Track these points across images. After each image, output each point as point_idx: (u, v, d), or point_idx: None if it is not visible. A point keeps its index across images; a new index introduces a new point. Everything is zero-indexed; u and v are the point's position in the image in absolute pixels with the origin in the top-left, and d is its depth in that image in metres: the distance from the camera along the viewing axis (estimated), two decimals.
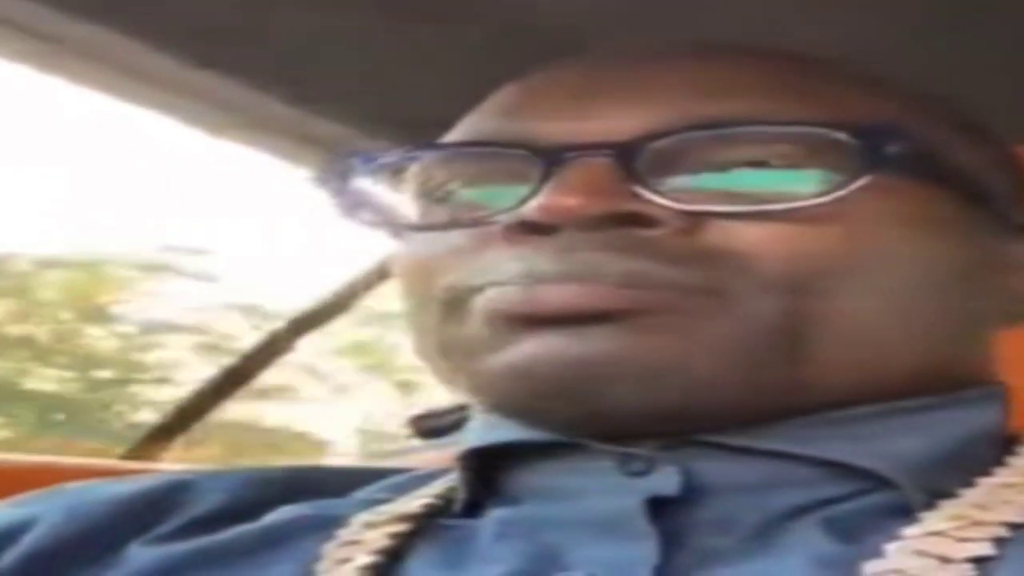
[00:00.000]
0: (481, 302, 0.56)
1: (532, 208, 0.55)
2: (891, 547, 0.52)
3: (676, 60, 0.59)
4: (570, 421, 0.56)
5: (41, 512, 0.63)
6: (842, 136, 0.55)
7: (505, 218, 0.56)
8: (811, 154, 0.55)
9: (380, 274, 1.58)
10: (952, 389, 0.58)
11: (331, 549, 0.58)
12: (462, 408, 0.69)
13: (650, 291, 0.54)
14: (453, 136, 0.61)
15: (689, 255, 0.54)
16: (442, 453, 0.68)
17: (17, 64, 0.96)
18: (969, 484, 0.56)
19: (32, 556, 0.61)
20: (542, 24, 0.95)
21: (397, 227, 0.61)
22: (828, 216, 0.55)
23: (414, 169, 0.60)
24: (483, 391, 0.58)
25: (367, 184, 0.61)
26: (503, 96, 0.61)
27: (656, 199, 0.55)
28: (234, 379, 1.71)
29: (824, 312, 0.55)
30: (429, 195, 0.60)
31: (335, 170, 0.61)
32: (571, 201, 0.54)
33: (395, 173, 0.61)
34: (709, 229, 0.55)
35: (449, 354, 0.58)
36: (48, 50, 0.92)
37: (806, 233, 0.55)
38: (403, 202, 0.61)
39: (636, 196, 0.55)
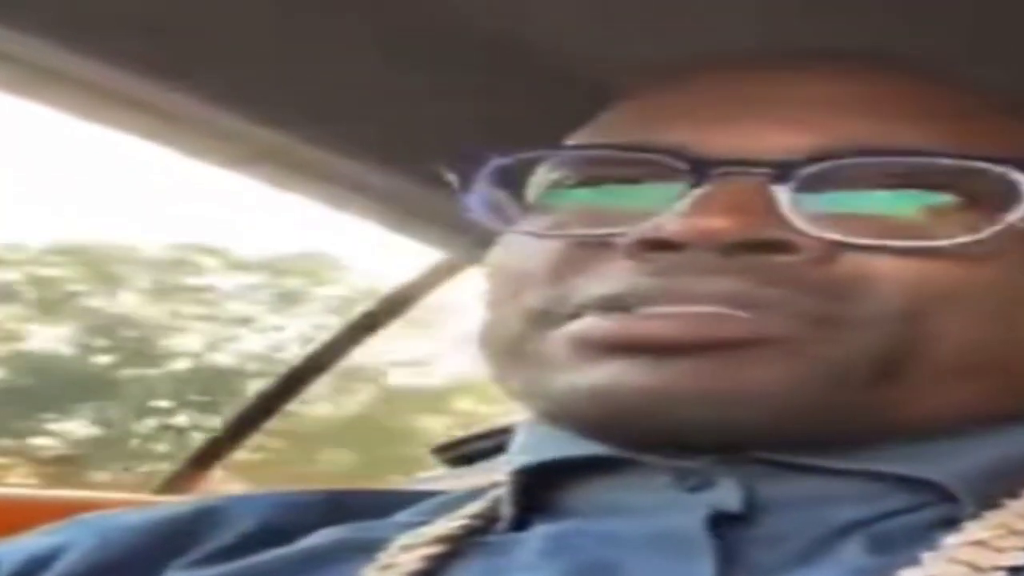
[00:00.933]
0: (575, 327, 0.55)
1: (673, 225, 0.53)
2: (928, 555, 0.52)
3: (829, 73, 0.57)
4: (638, 442, 0.56)
5: (73, 539, 0.63)
6: (1005, 170, 0.54)
7: (637, 230, 0.54)
8: (959, 184, 0.54)
9: (424, 283, 1.58)
10: (1000, 400, 0.57)
11: (368, 573, 0.58)
12: (495, 434, 0.69)
13: (763, 319, 0.53)
14: (581, 139, 0.60)
15: (816, 284, 0.53)
16: (477, 477, 0.68)
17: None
18: (1013, 495, 0.55)
19: None
20: (545, 57, 0.95)
21: (518, 230, 0.59)
22: (965, 253, 0.54)
23: (542, 170, 0.59)
24: (557, 407, 0.57)
25: (493, 184, 0.59)
26: (642, 102, 0.59)
27: (799, 225, 0.53)
28: (262, 411, 1.71)
29: (932, 345, 0.54)
30: (546, 198, 0.59)
31: (473, 160, 0.59)
32: (716, 223, 0.53)
33: (521, 174, 0.59)
34: (843, 257, 0.54)
35: (528, 362, 0.57)
36: (81, 94, 0.93)
37: (939, 269, 0.54)
38: (517, 204, 0.60)
39: (779, 220, 0.53)
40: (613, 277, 0.54)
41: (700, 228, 0.53)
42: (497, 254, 0.60)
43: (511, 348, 0.58)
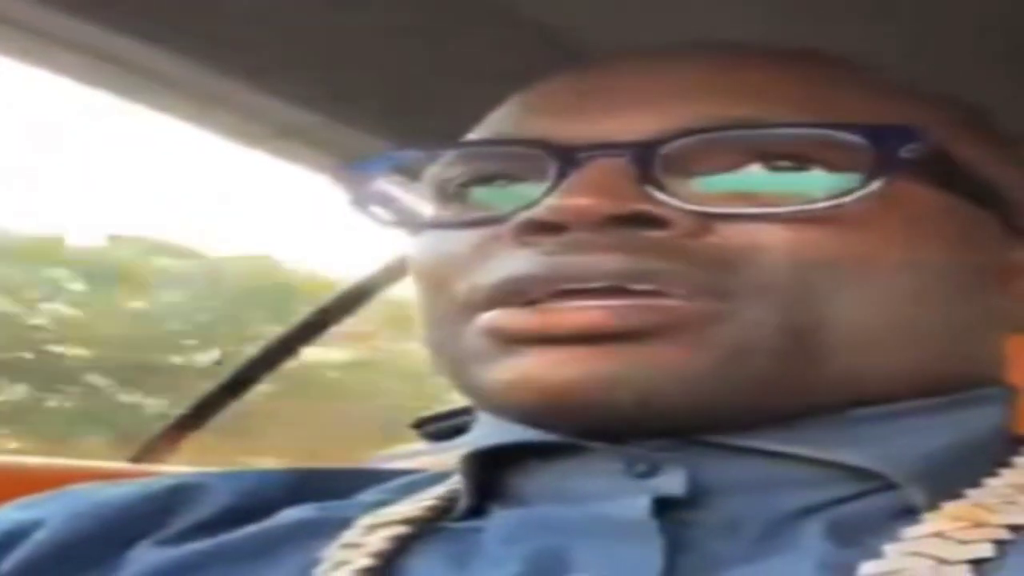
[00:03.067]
0: (485, 318, 0.56)
1: (544, 207, 0.55)
2: (890, 548, 0.52)
3: (687, 62, 0.59)
4: (572, 429, 0.56)
5: (46, 514, 0.63)
6: (856, 138, 0.55)
7: (517, 217, 0.55)
8: (824, 157, 0.55)
9: (397, 271, 1.59)
10: (957, 391, 0.58)
11: (331, 552, 0.58)
12: (469, 411, 0.69)
13: (655, 299, 0.54)
14: (473, 136, 0.61)
15: (698, 256, 0.54)
16: (449, 456, 0.68)
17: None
18: (974, 485, 0.55)
19: (36, 558, 0.61)
20: (552, 32, 0.95)
21: (411, 225, 0.61)
22: (839, 219, 0.54)
23: (432, 168, 0.60)
24: (483, 399, 0.58)
25: (386, 183, 0.61)
26: (521, 98, 0.61)
27: (668, 200, 0.54)
28: (240, 382, 1.71)
29: (831, 314, 0.54)
30: (445, 195, 0.60)
31: (355, 168, 0.61)
32: (583, 201, 0.54)
33: (413, 172, 0.61)
34: (719, 231, 0.54)
35: (453, 357, 0.58)
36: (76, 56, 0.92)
37: (816, 236, 0.54)
38: (419, 201, 0.61)
39: (648, 197, 0.54)
40: (506, 263, 0.56)
41: (570, 207, 0.54)
42: (415, 251, 0.61)
43: (438, 343, 0.59)
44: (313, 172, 1.16)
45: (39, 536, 0.62)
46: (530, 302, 0.55)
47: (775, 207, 0.55)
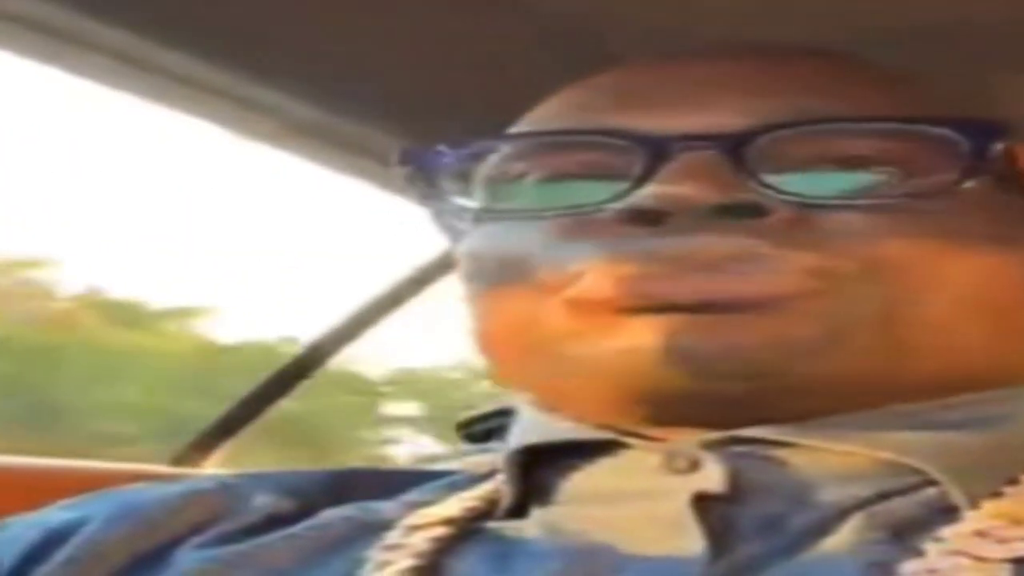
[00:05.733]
0: (574, 287, 0.56)
1: (648, 196, 0.54)
2: (931, 547, 0.52)
3: (774, 57, 0.60)
4: (645, 416, 0.56)
5: (90, 514, 0.63)
6: (952, 134, 0.55)
7: (616, 206, 0.55)
8: (917, 152, 0.56)
9: (429, 274, 1.58)
10: (999, 388, 0.58)
11: (374, 553, 0.58)
12: (508, 413, 0.69)
13: (762, 276, 0.54)
14: (530, 126, 0.61)
15: (800, 242, 0.55)
16: (490, 457, 0.68)
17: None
18: (1014, 483, 0.55)
19: (81, 556, 0.61)
20: (575, 28, 0.94)
21: (491, 212, 0.60)
22: (930, 214, 0.55)
23: (494, 159, 0.60)
24: (583, 373, 0.57)
25: (449, 173, 0.61)
26: (581, 92, 0.60)
27: (767, 191, 0.55)
28: (281, 384, 1.71)
29: (915, 305, 0.55)
30: (505, 187, 0.60)
31: (419, 157, 0.60)
32: (687, 190, 0.54)
33: (476, 163, 0.60)
34: (816, 221, 0.55)
35: (533, 341, 0.58)
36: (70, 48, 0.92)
37: (907, 228, 0.55)
38: (477, 193, 0.61)
39: (746, 188, 0.55)
40: (607, 247, 0.55)
41: (677, 196, 0.54)
42: (471, 245, 0.61)
43: (509, 330, 0.58)
44: (327, 169, 1.16)
45: (83, 535, 0.62)
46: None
47: (866, 199, 0.55)
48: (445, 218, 0.63)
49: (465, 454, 1.33)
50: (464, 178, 0.60)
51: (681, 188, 0.54)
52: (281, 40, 0.95)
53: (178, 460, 1.60)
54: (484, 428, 1.38)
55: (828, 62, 0.60)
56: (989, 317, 0.57)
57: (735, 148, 0.55)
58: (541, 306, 0.57)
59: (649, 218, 0.54)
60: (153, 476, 1.38)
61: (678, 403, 0.55)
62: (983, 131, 0.56)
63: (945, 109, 0.59)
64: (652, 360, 0.54)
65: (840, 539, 0.53)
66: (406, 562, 0.57)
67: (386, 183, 1.18)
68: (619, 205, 0.55)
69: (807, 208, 0.55)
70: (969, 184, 0.55)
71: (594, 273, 0.55)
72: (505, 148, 0.60)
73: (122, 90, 0.99)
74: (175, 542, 0.61)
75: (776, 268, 0.54)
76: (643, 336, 0.54)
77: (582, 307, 0.56)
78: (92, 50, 0.92)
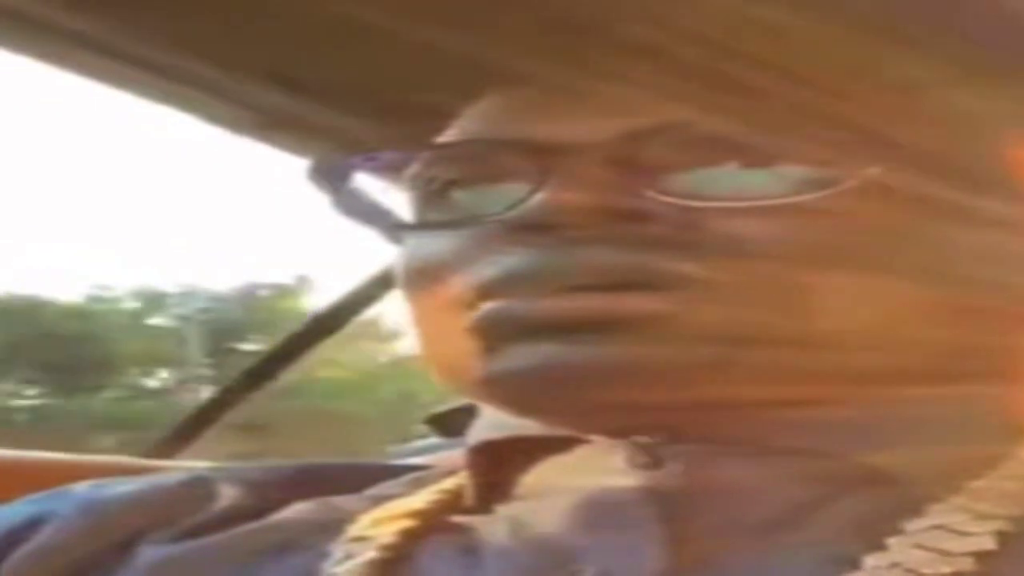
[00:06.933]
0: (486, 308, 0.56)
1: (533, 206, 0.55)
2: (893, 541, 0.52)
3: (657, 57, 0.57)
4: (571, 421, 0.57)
5: (53, 509, 0.63)
6: (837, 133, 0.54)
7: (504, 217, 0.55)
8: (801, 152, 0.55)
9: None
10: (959, 383, 0.57)
11: (338, 546, 0.58)
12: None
13: (648, 291, 0.54)
14: (449, 136, 0.61)
15: (689, 247, 0.54)
16: (460, 451, 0.68)
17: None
18: (975, 477, 0.55)
19: (43, 553, 0.61)
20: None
21: (395, 227, 0.61)
22: (821, 212, 0.54)
23: (412, 168, 0.60)
24: (481, 397, 0.59)
25: (365, 183, 0.61)
26: (496, 97, 0.60)
27: (655, 196, 0.54)
28: (252, 380, 1.70)
29: (822, 304, 0.54)
30: (426, 196, 0.60)
31: (334, 168, 0.61)
32: (571, 197, 0.54)
33: (393, 172, 0.61)
34: (705, 224, 0.54)
35: (447, 353, 0.58)
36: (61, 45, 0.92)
37: (800, 228, 0.54)
38: (400, 203, 0.61)
39: (635, 194, 0.55)
40: (500, 261, 0.56)
41: (558, 204, 0.54)
42: (401, 255, 0.61)
43: (430, 342, 0.59)
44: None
45: (47, 530, 0.62)
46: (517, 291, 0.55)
47: (756, 200, 0.54)
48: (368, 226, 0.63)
49: (438, 448, 1.34)
50: (377, 188, 0.61)
51: (568, 196, 0.54)
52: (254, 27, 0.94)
53: (151, 453, 1.60)
54: (459, 421, 1.39)
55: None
56: (908, 314, 0.56)
57: (621, 153, 0.55)
58: (452, 321, 0.57)
59: (537, 227, 0.54)
60: (124, 469, 1.37)
61: (593, 417, 0.56)
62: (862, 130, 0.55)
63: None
64: (532, 385, 0.55)
65: (802, 535, 0.54)
66: (370, 554, 0.57)
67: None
68: (510, 216, 0.55)
69: (695, 212, 0.54)
70: (853, 180, 0.54)
71: (488, 291, 0.56)
72: (417, 157, 0.60)
73: (100, 81, 0.98)
74: (136, 538, 0.61)
75: (661, 279, 0.54)
76: (521, 359, 0.55)
77: (486, 328, 0.56)
78: (66, 40, 0.92)
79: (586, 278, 0.54)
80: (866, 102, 0.57)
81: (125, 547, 0.61)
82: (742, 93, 0.55)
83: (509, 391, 0.56)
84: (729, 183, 0.55)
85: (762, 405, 0.55)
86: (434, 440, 1.42)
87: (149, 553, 0.60)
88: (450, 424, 1.41)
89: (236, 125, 1.08)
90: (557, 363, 0.54)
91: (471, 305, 0.56)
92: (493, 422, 0.60)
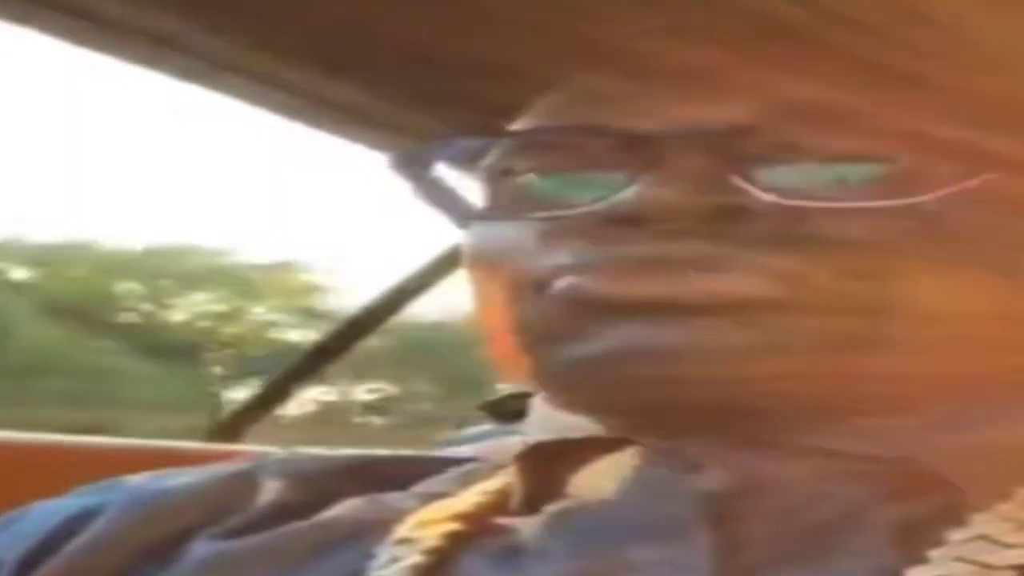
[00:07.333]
0: (561, 286, 0.55)
1: (626, 198, 0.54)
2: (935, 553, 0.51)
3: (748, 45, 0.56)
4: (631, 422, 0.56)
5: (106, 501, 0.63)
6: (967, 131, 0.53)
7: (594, 208, 0.54)
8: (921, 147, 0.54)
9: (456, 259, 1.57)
10: (1008, 389, 0.56)
11: (384, 548, 0.58)
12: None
13: (740, 282, 0.53)
14: (529, 123, 0.60)
15: (787, 245, 0.53)
16: (516, 440, 0.68)
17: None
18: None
19: (97, 545, 0.62)
20: None
21: (476, 215, 0.60)
22: (933, 213, 0.53)
23: (492, 155, 0.59)
24: (547, 387, 0.57)
25: (444, 170, 0.60)
26: (584, 84, 0.59)
27: (755, 192, 0.54)
28: (316, 361, 1.71)
29: (902, 305, 0.53)
30: (500, 183, 0.59)
31: (414, 155, 0.60)
32: (668, 192, 0.53)
33: (472, 159, 0.60)
34: (808, 222, 0.54)
35: (523, 344, 0.57)
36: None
37: (898, 229, 0.53)
38: (477, 189, 0.60)
39: (734, 190, 0.54)
40: (584, 251, 0.55)
41: (656, 200, 0.53)
42: (474, 241, 0.60)
43: (503, 327, 0.58)
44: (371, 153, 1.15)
45: (101, 523, 0.62)
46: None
47: (858, 200, 0.53)
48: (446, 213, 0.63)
49: (492, 434, 1.34)
50: (458, 174, 0.60)
51: (662, 191, 0.53)
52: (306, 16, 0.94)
53: (213, 436, 1.61)
54: (511, 408, 1.39)
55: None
56: (979, 319, 0.55)
57: (724, 145, 0.54)
58: (527, 306, 0.56)
59: (631, 221, 0.54)
60: (185, 454, 1.38)
61: (655, 416, 0.55)
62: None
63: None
64: (611, 371, 0.54)
65: (846, 542, 0.53)
66: (415, 558, 0.57)
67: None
68: (600, 206, 0.54)
69: (794, 210, 0.53)
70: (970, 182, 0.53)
71: (573, 275, 0.55)
72: (500, 145, 0.59)
73: (152, 70, 0.99)
74: (188, 532, 0.61)
75: (752, 272, 0.53)
76: (611, 341, 0.54)
77: (568, 304, 0.55)
78: (115, 31, 0.92)
79: (672, 268, 0.53)
80: (1006, 100, 0.55)
81: (177, 541, 0.61)
82: (875, 77, 0.54)
83: (582, 379, 0.55)
84: (828, 178, 0.54)
85: (836, 410, 0.54)
86: (488, 427, 1.42)
87: (201, 548, 0.60)
88: (505, 411, 1.41)
89: (316, 121, 1.09)
90: (644, 346, 0.53)
91: (547, 289, 0.55)
92: (544, 422, 0.60)
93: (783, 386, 0.53)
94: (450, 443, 1.37)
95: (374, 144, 1.16)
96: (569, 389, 0.57)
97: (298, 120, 1.11)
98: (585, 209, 0.55)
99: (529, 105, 0.60)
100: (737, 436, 0.55)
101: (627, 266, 0.53)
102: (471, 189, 0.61)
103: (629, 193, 0.54)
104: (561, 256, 0.55)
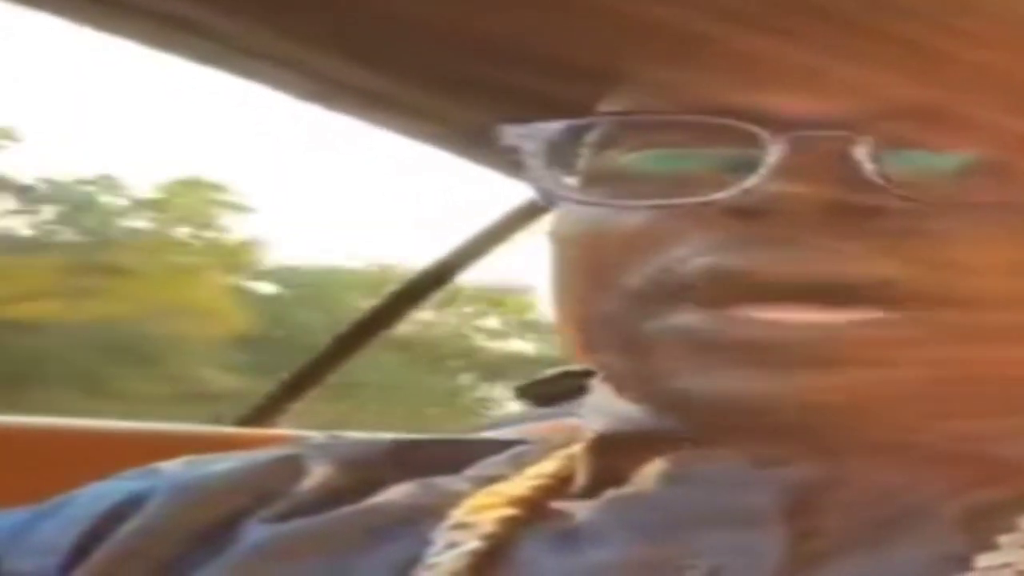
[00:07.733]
0: (682, 318, 0.53)
1: (752, 192, 0.52)
2: (1005, 539, 0.51)
3: (870, 35, 0.54)
4: (734, 447, 0.54)
5: (153, 487, 0.63)
6: None
7: (727, 199, 0.52)
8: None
9: (505, 230, 1.56)
10: None
11: (440, 533, 0.57)
12: (574, 375, 0.67)
13: (858, 306, 0.51)
14: (618, 104, 0.58)
15: (914, 256, 0.52)
16: (555, 422, 0.67)
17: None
18: None
19: (147, 530, 0.61)
20: None
21: (587, 199, 0.57)
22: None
23: (592, 136, 0.57)
24: (667, 403, 0.55)
25: (545, 149, 0.58)
26: (697, 64, 0.56)
27: (890, 189, 0.52)
28: (352, 342, 1.70)
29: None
30: (605, 166, 0.57)
31: (515, 133, 0.58)
32: (795, 187, 0.51)
33: (574, 140, 0.58)
34: (933, 219, 0.52)
35: (628, 349, 0.56)
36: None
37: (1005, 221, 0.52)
38: (574, 172, 0.58)
39: (863, 180, 0.52)
40: (712, 247, 0.53)
41: (791, 193, 0.51)
42: (564, 223, 0.58)
43: (607, 328, 0.56)
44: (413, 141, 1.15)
45: (151, 508, 0.62)
46: (723, 303, 0.52)
47: (973, 195, 0.52)
48: (543, 192, 0.60)
49: (531, 418, 1.33)
50: (561, 155, 0.58)
51: (789, 185, 0.51)
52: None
53: (244, 421, 1.60)
54: (551, 391, 1.38)
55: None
56: None
57: (859, 136, 0.52)
58: (643, 318, 0.54)
59: (756, 215, 0.52)
60: (220, 438, 1.38)
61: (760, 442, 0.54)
62: None
63: None
64: (723, 413, 0.53)
65: (919, 530, 0.52)
66: (474, 544, 0.56)
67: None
68: (722, 197, 0.52)
69: (928, 208, 0.52)
70: None
71: (689, 282, 0.53)
72: (606, 126, 0.57)
73: (184, 57, 0.98)
74: (236, 518, 0.60)
75: (866, 291, 0.51)
76: (717, 382, 0.52)
77: (687, 342, 0.53)
78: (152, 19, 0.92)
79: (792, 280, 0.52)
80: None
81: (227, 526, 0.60)
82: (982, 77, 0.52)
83: (691, 411, 0.54)
84: (939, 173, 0.53)
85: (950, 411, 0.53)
86: (527, 410, 1.41)
87: (254, 532, 0.60)
88: (540, 394, 1.41)
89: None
90: (759, 394, 0.52)
91: (671, 294, 0.53)
92: (603, 408, 0.58)
93: (914, 383, 0.52)
94: (491, 426, 1.37)
95: (402, 130, 1.16)
96: (674, 413, 0.55)
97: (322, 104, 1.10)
98: (707, 198, 0.53)
99: (589, 92, 0.58)
100: (836, 438, 0.53)
101: (746, 284, 0.52)
102: (569, 173, 0.58)
103: (752, 186, 0.52)
104: (677, 254, 0.53)
